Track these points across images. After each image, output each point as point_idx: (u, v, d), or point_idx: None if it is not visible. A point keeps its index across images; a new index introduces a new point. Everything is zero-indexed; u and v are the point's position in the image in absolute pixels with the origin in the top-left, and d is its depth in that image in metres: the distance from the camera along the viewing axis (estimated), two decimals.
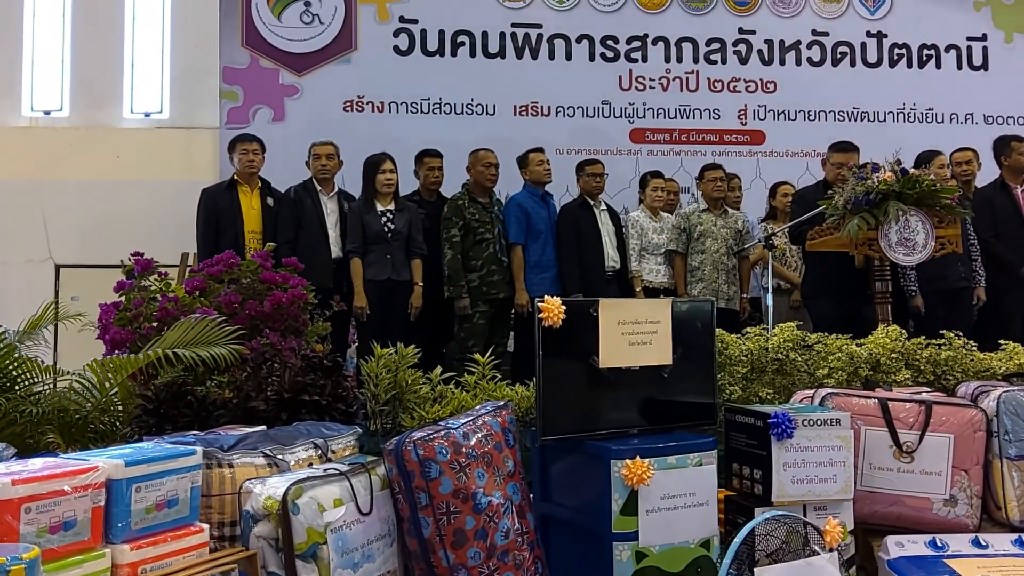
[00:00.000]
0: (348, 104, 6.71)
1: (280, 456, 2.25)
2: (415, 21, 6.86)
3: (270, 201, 5.09)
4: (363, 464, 2.19)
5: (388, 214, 4.91)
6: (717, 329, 2.99)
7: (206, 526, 1.96)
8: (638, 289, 5.41)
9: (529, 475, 2.53)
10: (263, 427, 2.51)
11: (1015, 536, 2.52)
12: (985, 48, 7.54)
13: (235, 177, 5.11)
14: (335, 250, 4.99)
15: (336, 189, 5.18)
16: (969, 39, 7.54)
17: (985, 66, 7.54)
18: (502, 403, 2.45)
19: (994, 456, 2.64)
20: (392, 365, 2.98)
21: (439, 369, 3.08)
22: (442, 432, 2.17)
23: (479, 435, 2.25)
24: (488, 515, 2.15)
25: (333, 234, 5.02)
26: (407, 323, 4.85)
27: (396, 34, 6.84)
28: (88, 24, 6.91)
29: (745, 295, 5.59)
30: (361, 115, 6.70)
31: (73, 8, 6.90)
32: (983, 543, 2.48)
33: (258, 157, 5.11)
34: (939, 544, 2.44)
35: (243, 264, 3.33)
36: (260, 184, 5.14)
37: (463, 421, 2.26)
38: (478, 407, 2.44)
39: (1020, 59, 7.55)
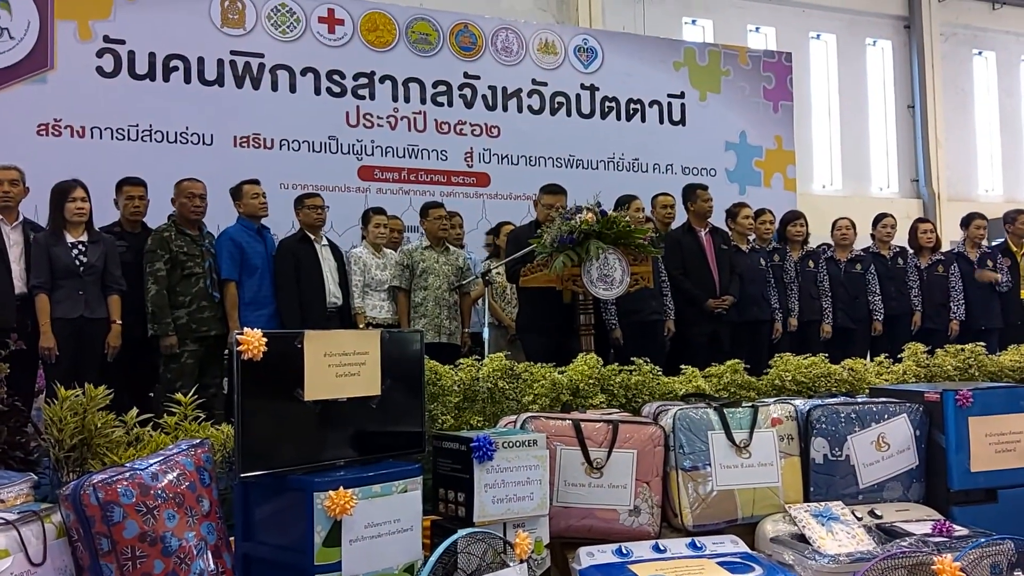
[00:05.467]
0: (43, 127, 6.15)
1: None
2: (122, 42, 6.44)
3: None
4: (35, 512, 2.02)
5: (80, 246, 4.52)
6: (431, 360, 3.07)
7: None
8: (362, 326, 5.39)
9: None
10: None
11: (689, 540, 2.77)
12: (683, 105, 8.47)
13: None
14: (19, 285, 4.50)
15: (21, 219, 4.67)
16: (670, 96, 8.44)
17: (683, 121, 8.47)
18: (198, 441, 2.34)
19: (671, 468, 2.90)
20: (79, 408, 2.72)
21: (135, 411, 2.87)
22: (127, 474, 2.04)
23: (171, 475, 2.13)
24: (179, 557, 2.04)
25: (16, 268, 4.52)
26: (104, 364, 4.48)
27: (100, 54, 6.38)
28: None
29: (466, 329, 5.78)
30: (58, 140, 6.17)
31: None
32: (662, 548, 2.71)
33: None
34: (624, 551, 2.64)
35: None
36: None
37: (152, 462, 2.13)
38: (171, 446, 2.31)
39: (712, 116, 8.57)
